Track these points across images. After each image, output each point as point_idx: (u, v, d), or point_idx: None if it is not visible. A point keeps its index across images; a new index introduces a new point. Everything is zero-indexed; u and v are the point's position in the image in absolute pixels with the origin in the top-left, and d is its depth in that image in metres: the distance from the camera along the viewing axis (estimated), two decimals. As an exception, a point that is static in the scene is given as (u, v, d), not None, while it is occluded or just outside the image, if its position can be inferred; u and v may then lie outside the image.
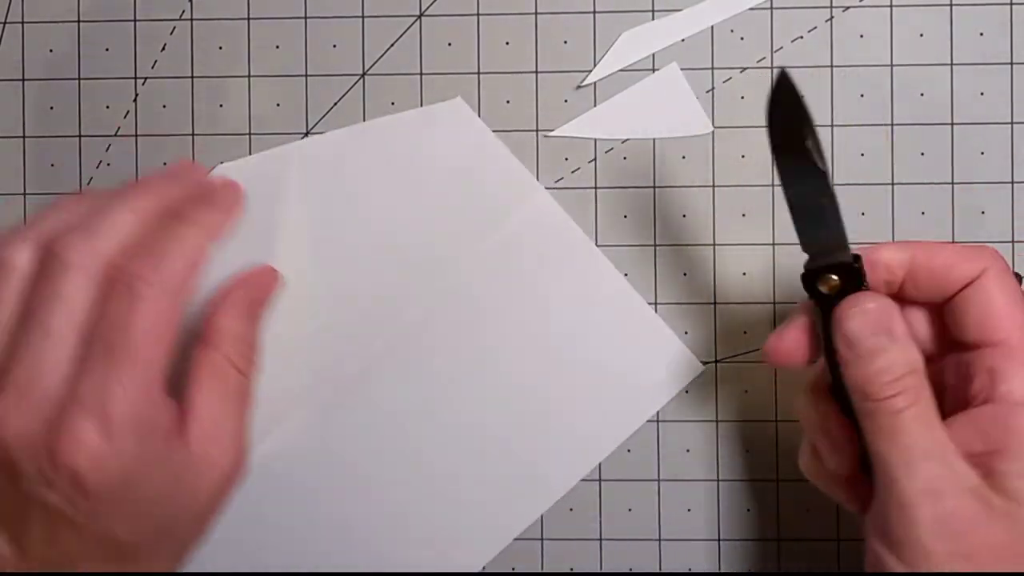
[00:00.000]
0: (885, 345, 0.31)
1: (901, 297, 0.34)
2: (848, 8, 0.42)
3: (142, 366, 0.31)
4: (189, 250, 0.34)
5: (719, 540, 0.42)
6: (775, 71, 0.32)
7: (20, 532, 0.31)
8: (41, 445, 0.30)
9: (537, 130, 0.42)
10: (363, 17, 0.42)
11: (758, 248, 0.42)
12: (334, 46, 0.42)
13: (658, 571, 0.42)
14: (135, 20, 0.43)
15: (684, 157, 0.42)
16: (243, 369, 0.36)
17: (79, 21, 0.43)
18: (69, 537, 0.31)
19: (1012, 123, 0.42)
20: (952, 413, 0.32)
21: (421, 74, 0.42)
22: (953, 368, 0.34)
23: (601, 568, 0.42)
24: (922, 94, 0.42)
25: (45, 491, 0.30)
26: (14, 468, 0.30)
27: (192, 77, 0.43)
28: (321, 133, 0.42)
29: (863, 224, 0.42)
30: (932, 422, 0.31)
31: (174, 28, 0.43)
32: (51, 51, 0.43)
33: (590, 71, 0.42)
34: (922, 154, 0.42)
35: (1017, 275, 0.42)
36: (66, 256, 0.32)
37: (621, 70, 0.42)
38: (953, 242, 0.41)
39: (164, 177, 0.37)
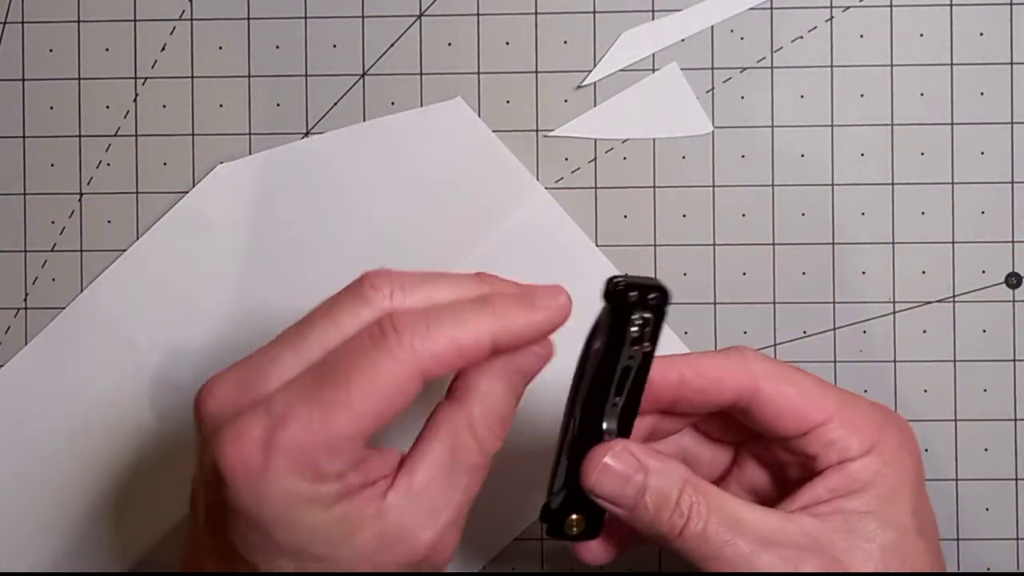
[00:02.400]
0: (641, 486, 0.31)
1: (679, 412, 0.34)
2: (848, 8, 0.42)
3: (349, 416, 0.27)
4: (466, 334, 0.28)
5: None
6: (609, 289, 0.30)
7: (193, 504, 0.30)
8: (217, 428, 0.28)
9: (537, 130, 0.42)
10: (363, 17, 0.42)
11: (758, 248, 0.42)
12: (334, 46, 0.42)
13: (659, 571, 0.42)
14: (135, 20, 0.43)
15: (684, 157, 0.42)
16: (485, 444, 0.30)
17: (79, 21, 0.43)
18: (211, 544, 0.29)
19: (1012, 123, 0.42)
20: (804, 478, 0.33)
21: (421, 74, 0.42)
22: (782, 448, 0.34)
23: (601, 568, 0.42)
24: (922, 94, 0.42)
25: (202, 490, 0.29)
26: (198, 441, 0.29)
27: (192, 77, 0.43)
28: (321, 133, 0.42)
29: (863, 224, 0.42)
30: (731, 518, 0.31)
31: (174, 28, 0.43)
32: (51, 51, 0.43)
33: (590, 71, 0.42)
34: (922, 154, 0.42)
35: (1017, 275, 0.42)
36: (361, 282, 0.30)
37: (621, 70, 0.42)
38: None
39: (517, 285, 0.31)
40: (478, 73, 0.42)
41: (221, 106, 0.43)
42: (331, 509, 0.28)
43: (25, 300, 0.43)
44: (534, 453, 0.42)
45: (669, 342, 0.42)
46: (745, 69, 0.42)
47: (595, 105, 0.42)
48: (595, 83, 0.42)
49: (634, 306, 0.30)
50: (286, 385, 0.28)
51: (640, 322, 0.30)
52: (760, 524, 0.31)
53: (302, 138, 0.42)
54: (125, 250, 0.42)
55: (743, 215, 0.42)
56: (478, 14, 0.42)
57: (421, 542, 0.29)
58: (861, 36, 0.42)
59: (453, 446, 0.29)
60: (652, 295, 0.30)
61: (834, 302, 0.42)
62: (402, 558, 0.29)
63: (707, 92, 0.42)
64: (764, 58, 0.42)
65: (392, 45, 0.42)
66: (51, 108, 0.43)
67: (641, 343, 0.30)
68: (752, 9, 0.42)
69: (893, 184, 0.42)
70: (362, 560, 0.28)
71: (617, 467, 0.31)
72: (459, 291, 0.30)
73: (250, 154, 0.42)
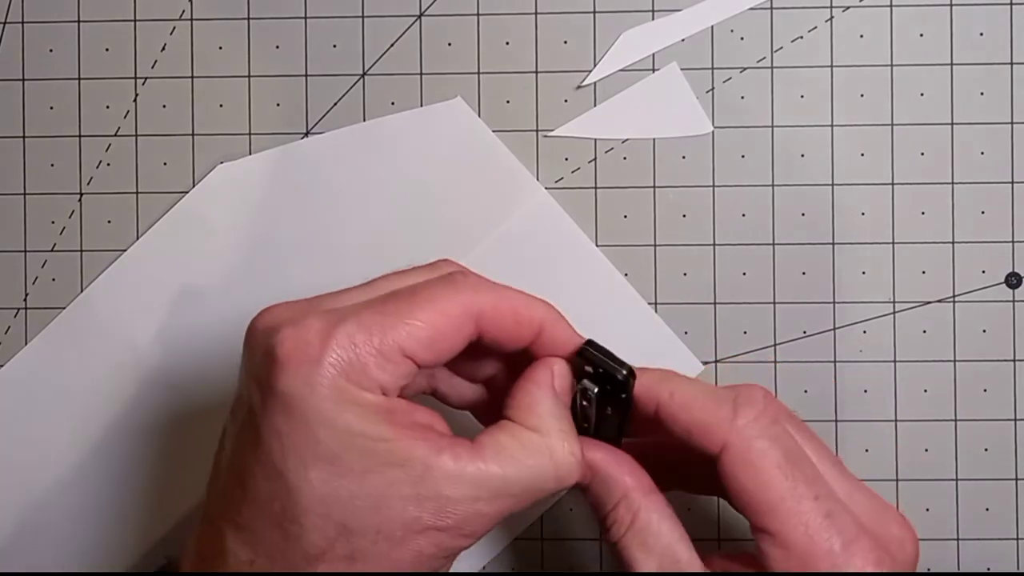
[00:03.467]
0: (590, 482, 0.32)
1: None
2: (848, 8, 0.42)
3: (406, 328, 0.29)
4: (524, 298, 0.31)
5: (719, 540, 0.42)
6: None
7: (229, 423, 0.30)
8: (273, 329, 0.29)
9: (537, 130, 0.42)
10: (363, 17, 0.42)
11: (758, 248, 0.42)
12: (334, 46, 0.42)
13: (658, 571, 0.42)
14: (135, 20, 0.43)
15: (684, 157, 0.42)
16: (561, 471, 0.30)
17: (79, 21, 0.43)
18: (250, 453, 0.29)
19: (1012, 123, 0.42)
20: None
21: (421, 74, 0.42)
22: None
23: (601, 568, 0.42)
24: (922, 94, 0.42)
25: (249, 384, 0.29)
26: (246, 356, 0.30)
27: (192, 77, 0.43)
28: (321, 133, 0.42)
29: (863, 224, 0.42)
30: (645, 552, 0.31)
31: (174, 28, 0.43)
32: (51, 51, 0.43)
33: (590, 71, 0.42)
34: (922, 154, 0.42)
35: (1017, 275, 0.42)
36: (437, 262, 0.33)
37: (621, 70, 0.42)
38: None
39: None
40: (478, 73, 0.42)
41: (221, 106, 0.43)
42: (373, 425, 0.28)
43: (25, 300, 0.43)
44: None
45: (669, 341, 0.42)
46: (745, 69, 0.42)
47: (595, 105, 0.42)
48: (595, 83, 0.42)
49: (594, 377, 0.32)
50: (352, 303, 0.29)
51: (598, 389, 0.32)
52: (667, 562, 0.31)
53: (302, 138, 0.42)
54: (125, 250, 0.42)
55: (743, 215, 0.42)
56: (478, 14, 0.42)
57: (454, 514, 0.28)
58: (861, 36, 0.42)
59: (530, 457, 0.30)
60: (607, 384, 0.32)
61: (834, 302, 0.42)
62: (430, 519, 0.28)
63: (707, 92, 0.42)
64: (764, 58, 0.42)
65: (392, 45, 0.42)
66: (51, 108, 0.43)
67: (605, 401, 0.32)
68: (752, 9, 0.42)
69: (893, 184, 0.42)
70: (388, 500, 0.28)
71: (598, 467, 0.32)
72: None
73: (250, 154, 0.42)
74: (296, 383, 0.28)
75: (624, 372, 0.31)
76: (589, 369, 0.32)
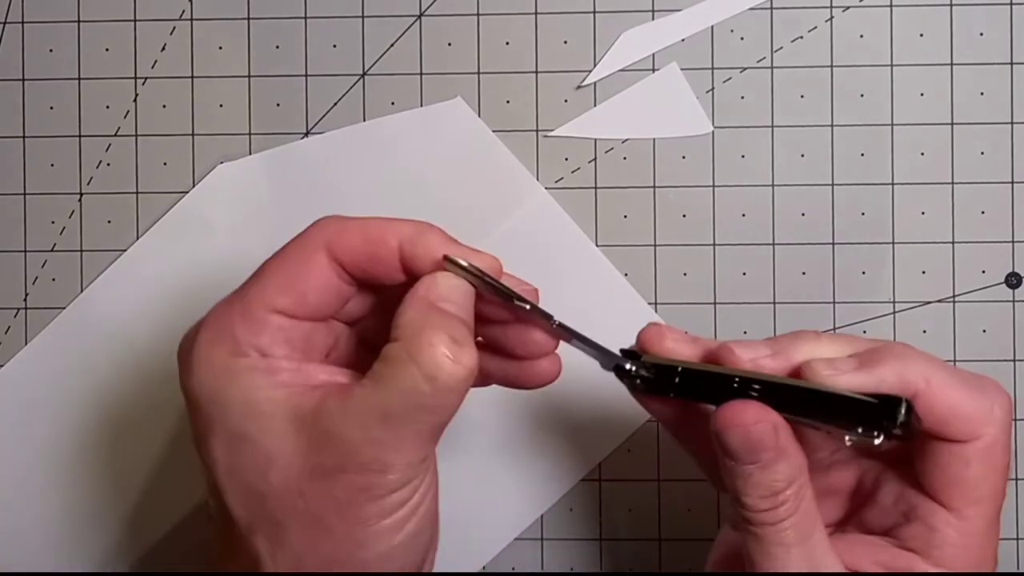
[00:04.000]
0: (764, 463, 0.29)
1: None
2: (848, 8, 0.42)
3: (258, 287, 0.29)
4: (376, 226, 0.31)
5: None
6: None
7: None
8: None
9: (537, 130, 0.42)
10: (363, 17, 0.42)
11: (758, 248, 0.42)
12: (334, 46, 0.42)
13: (658, 571, 0.42)
14: (135, 20, 0.43)
15: (684, 157, 0.42)
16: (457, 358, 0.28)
17: (79, 21, 0.43)
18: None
19: (1012, 123, 0.42)
20: (857, 510, 0.32)
21: (421, 74, 0.42)
22: (884, 481, 0.32)
23: (601, 568, 0.42)
24: (922, 94, 0.42)
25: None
26: None
27: (192, 77, 0.43)
28: (321, 133, 0.42)
29: (863, 224, 0.42)
30: (807, 531, 0.30)
31: (174, 28, 0.43)
32: (51, 51, 0.43)
33: (590, 71, 0.42)
34: (922, 154, 0.42)
35: (1017, 275, 0.42)
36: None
37: (621, 70, 0.42)
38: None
39: None
40: (478, 73, 0.42)
41: (221, 106, 0.43)
42: (256, 387, 0.28)
43: (25, 300, 0.43)
44: (533, 452, 0.42)
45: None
46: (745, 69, 0.42)
47: (595, 105, 0.42)
48: (595, 83, 0.42)
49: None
50: None
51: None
52: (812, 554, 0.30)
53: (302, 138, 0.42)
54: (125, 250, 0.42)
55: (743, 215, 0.42)
56: (478, 14, 0.42)
57: (348, 448, 0.28)
58: (861, 36, 0.42)
59: (392, 367, 0.28)
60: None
61: (834, 302, 0.42)
62: (329, 460, 0.28)
63: (707, 92, 0.42)
64: (764, 58, 0.42)
65: (392, 45, 0.42)
66: (51, 108, 0.43)
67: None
68: (752, 9, 0.42)
69: (893, 184, 0.42)
70: (285, 452, 0.28)
71: (756, 435, 0.29)
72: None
73: (250, 154, 0.42)
74: (184, 374, 0.29)
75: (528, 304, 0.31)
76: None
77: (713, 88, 0.42)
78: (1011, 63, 0.41)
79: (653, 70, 0.42)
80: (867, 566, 0.31)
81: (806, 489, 0.30)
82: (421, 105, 0.42)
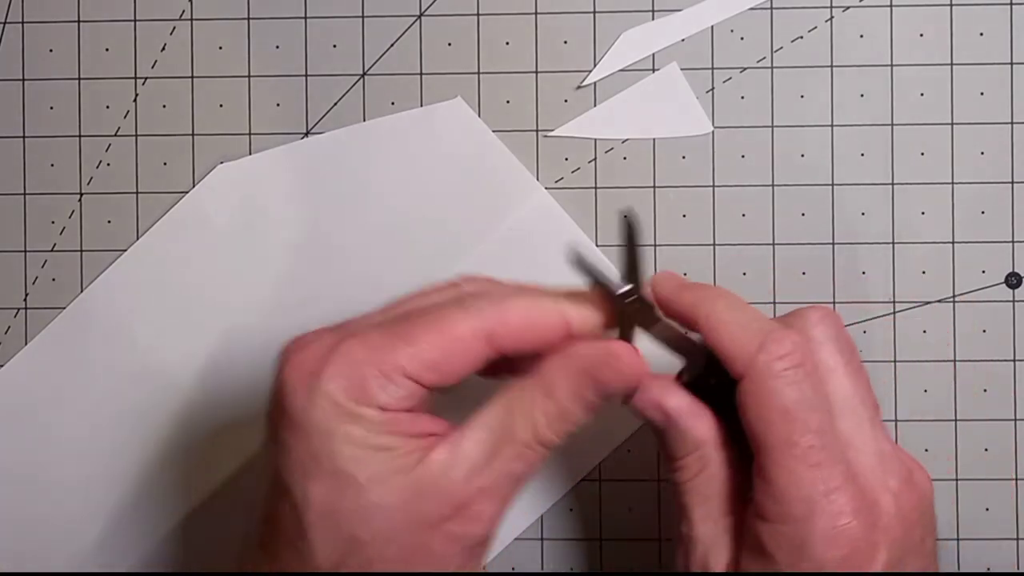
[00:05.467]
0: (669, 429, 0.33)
1: None
2: (848, 8, 0.42)
3: (410, 350, 0.29)
4: (538, 308, 0.31)
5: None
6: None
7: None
8: (289, 349, 0.30)
9: (537, 130, 0.42)
10: (363, 17, 0.42)
11: (757, 248, 0.42)
12: (334, 46, 0.42)
13: (658, 571, 0.42)
14: (135, 20, 0.43)
15: (684, 157, 0.42)
16: (539, 428, 0.30)
17: (79, 21, 0.43)
18: (267, 461, 0.30)
19: (1012, 123, 0.42)
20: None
21: (421, 74, 0.42)
22: None
23: (601, 568, 0.42)
24: (922, 94, 0.42)
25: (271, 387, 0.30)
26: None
27: (192, 77, 0.43)
28: (321, 133, 0.42)
29: (863, 224, 0.42)
30: (702, 502, 0.32)
31: (174, 28, 0.43)
32: (51, 51, 0.43)
33: (590, 71, 0.42)
34: (922, 154, 0.42)
35: (1017, 275, 0.42)
36: (460, 278, 0.32)
37: (621, 70, 0.42)
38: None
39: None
40: (478, 73, 0.42)
41: (221, 106, 0.43)
42: (374, 436, 0.28)
43: (25, 300, 0.43)
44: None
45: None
46: (745, 69, 0.42)
47: (595, 105, 0.42)
48: (595, 83, 0.42)
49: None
50: (368, 323, 0.30)
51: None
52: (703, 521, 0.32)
53: (302, 138, 0.42)
54: (125, 250, 0.42)
55: (743, 215, 0.42)
56: (478, 14, 0.42)
57: (454, 497, 0.29)
58: (861, 36, 0.42)
59: (507, 419, 0.30)
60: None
61: (834, 302, 0.42)
62: (434, 509, 0.28)
63: (707, 92, 0.42)
64: (764, 58, 0.42)
65: (392, 45, 0.42)
66: (51, 108, 0.43)
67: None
68: (752, 9, 0.42)
69: (893, 184, 0.42)
70: (392, 501, 0.28)
71: (651, 412, 0.33)
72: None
73: (250, 154, 0.42)
74: (298, 400, 0.28)
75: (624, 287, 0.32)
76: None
77: (713, 88, 0.42)
78: (1011, 63, 0.41)
79: (653, 70, 0.42)
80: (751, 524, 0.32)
81: (708, 460, 0.32)
82: (421, 105, 0.42)
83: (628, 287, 0.32)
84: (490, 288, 0.32)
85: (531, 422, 0.30)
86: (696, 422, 0.32)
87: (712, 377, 0.32)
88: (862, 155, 0.42)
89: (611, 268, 0.32)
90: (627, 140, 0.42)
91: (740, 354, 0.31)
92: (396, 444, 0.29)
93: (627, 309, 0.32)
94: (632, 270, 0.32)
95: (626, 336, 0.32)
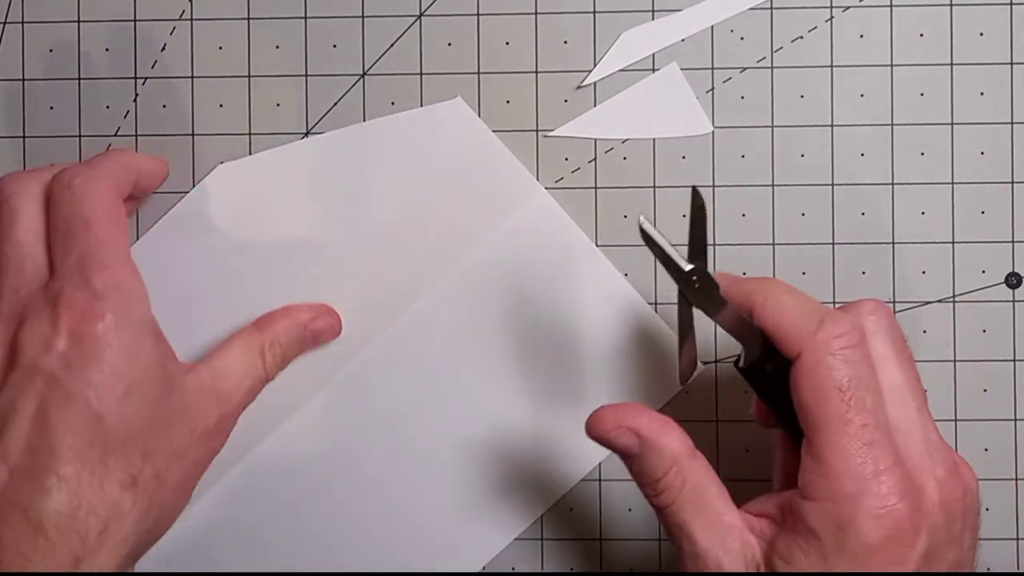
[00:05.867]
0: (633, 459, 0.33)
1: None
2: (848, 8, 0.42)
3: (108, 243, 0.34)
4: (118, 156, 0.38)
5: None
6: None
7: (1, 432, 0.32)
8: (45, 320, 0.33)
9: (537, 130, 0.42)
10: (363, 17, 0.42)
11: (758, 248, 0.42)
12: (334, 46, 0.42)
13: (658, 571, 0.42)
14: (135, 20, 0.43)
15: (684, 157, 0.42)
16: (269, 366, 0.39)
17: (79, 21, 0.43)
18: (56, 416, 0.32)
19: (1012, 123, 0.42)
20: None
21: (421, 74, 0.42)
22: None
23: (601, 568, 0.42)
24: (922, 94, 0.42)
25: (43, 358, 0.32)
26: (15, 355, 0.33)
27: (192, 77, 0.43)
28: (321, 133, 0.42)
29: (863, 224, 0.42)
30: (696, 506, 0.33)
31: (174, 28, 0.43)
32: (51, 51, 0.43)
33: (590, 71, 0.42)
34: (922, 154, 0.42)
35: (1017, 275, 0.42)
36: (6, 186, 0.36)
37: (621, 70, 0.42)
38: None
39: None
40: (478, 73, 0.42)
41: (221, 106, 0.43)
42: (161, 360, 0.35)
43: (25, 300, 0.43)
44: (533, 453, 0.42)
45: (670, 341, 0.42)
46: (745, 69, 0.42)
47: (595, 105, 0.42)
48: (595, 83, 0.42)
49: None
50: (59, 266, 0.34)
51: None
52: (709, 528, 0.32)
53: (302, 138, 0.42)
54: (125, 250, 0.42)
55: (743, 215, 0.42)
56: (478, 14, 0.42)
57: (231, 404, 0.37)
58: (861, 36, 0.42)
59: (249, 355, 0.38)
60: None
61: (834, 302, 0.42)
62: (199, 429, 0.36)
63: (707, 92, 0.42)
64: (764, 58, 0.42)
65: (392, 45, 0.42)
66: (51, 108, 0.43)
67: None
68: (752, 9, 0.42)
69: (893, 184, 0.42)
70: (171, 424, 0.35)
71: (616, 443, 0.33)
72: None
73: (250, 154, 0.42)
74: (92, 338, 0.33)
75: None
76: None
77: (713, 88, 0.42)
78: (1011, 63, 0.41)
79: (653, 70, 0.42)
80: (777, 511, 0.32)
81: (689, 468, 0.33)
82: (421, 105, 0.42)
83: (693, 266, 0.33)
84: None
85: (261, 361, 0.39)
86: (668, 437, 0.33)
87: (769, 362, 0.33)
88: (862, 155, 0.42)
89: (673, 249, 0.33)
90: (627, 140, 0.42)
91: (799, 332, 0.32)
92: (172, 371, 0.36)
93: (692, 288, 0.33)
94: (698, 248, 0.33)
95: (689, 316, 0.33)
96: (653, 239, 0.33)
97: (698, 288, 0.33)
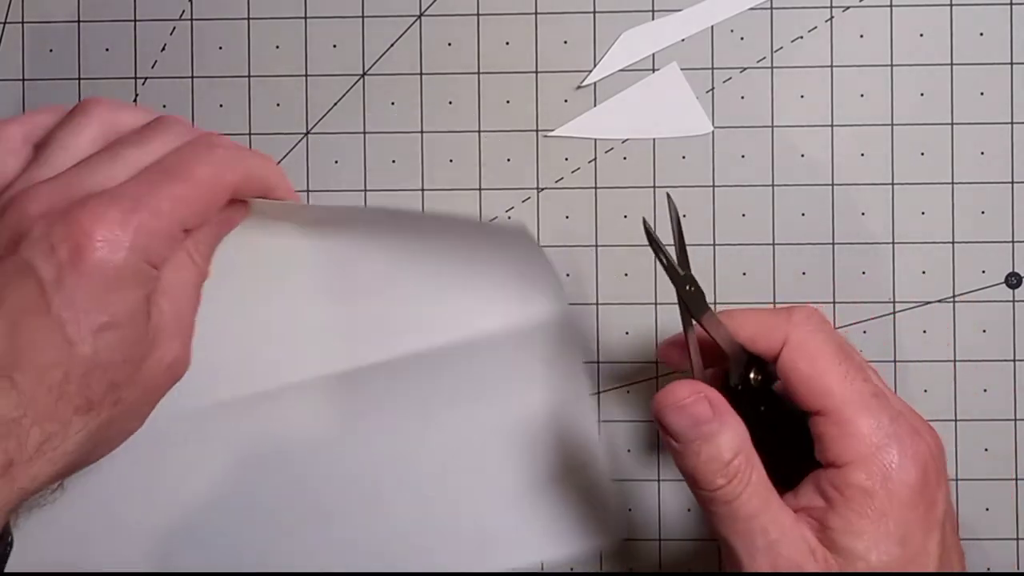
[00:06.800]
0: (706, 436, 0.32)
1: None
2: (848, 8, 0.42)
3: (187, 209, 0.33)
4: (268, 165, 0.36)
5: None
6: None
7: None
8: (61, 212, 0.31)
9: (537, 130, 0.42)
10: (363, 17, 0.42)
11: (758, 248, 0.42)
12: (334, 46, 0.42)
13: (658, 571, 0.42)
14: (135, 20, 0.43)
15: (684, 157, 0.42)
16: (201, 265, 0.36)
17: (79, 21, 0.43)
18: (29, 327, 0.31)
19: (1012, 123, 0.42)
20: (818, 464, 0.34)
21: (421, 74, 0.42)
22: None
23: (601, 568, 0.42)
24: (922, 94, 0.42)
25: (40, 260, 0.31)
26: (20, 237, 0.31)
27: (192, 77, 0.43)
28: (321, 133, 0.42)
29: (863, 224, 0.42)
30: (765, 497, 0.32)
31: (174, 28, 0.43)
32: (51, 51, 0.43)
33: (590, 71, 0.42)
34: (922, 154, 0.42)
35: (1017, 275, 0.42)
36: (163, 120, 0.35)
37: (621, 70, 0.42)
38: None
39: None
40: (478, 73, 0.42)
41: (221, 106, 0.43)
42: (144, 287, 0.33)
43: (25, 300, 0.43)
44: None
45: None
46: (745, 69, 0.42)
47: (595, 105, 0.42)
48: (595, 83, 0.42)
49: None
50: (128, 181, 0.33)
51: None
52: (776, 518, 0.32)
53: (302, 138, 0.42)
54: (125, 250, 0.42)
55: (743, 215, 0.42)
56: (478, 14, 0.42)
57: (172, 354, 0.34)
58: (861, 36, 0.42)
59: (183, 270, 0.35)
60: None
61: (834, 302, 0.42)
62: (161, 365, 0.34)
63: (707, 92, 0.42)
64: (764, 58, 0.42)
65: (392, 45, 0.42)
66: (51, 108, 0.43)
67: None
68: (752, 9, 0.42)
69: (893, 184, 0.42)
70: (132, 350, 0.33)
71: (692, 409, 0.33)
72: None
73: (250, 154, 0.42)
74: (93, 263, 0.31)
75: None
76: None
77: (713, 88, 0.42)
78: (1011, 63, 0.41)
79: (653, 70, 0.42)
80: (814, 499, 0.33)
81: (754, 457, 0.33)
82: (421, 105, 0.42)
83: (686, 272, 0.34)
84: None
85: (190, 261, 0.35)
86: (735, 417, 0.33)
87: (757, 372, 0.35)
88: (862, 155, 0.42)
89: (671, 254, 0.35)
90: (627, 140, 0.42)
91: (774, 328, 0.34)
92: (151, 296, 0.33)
93: (685, 294, 0.34)
94: (683, 254, 0.35)
95: (687, 321, 0.34)
96: (658, 242, 0.34)
97: (691, 292, 0.34)
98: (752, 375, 0.35)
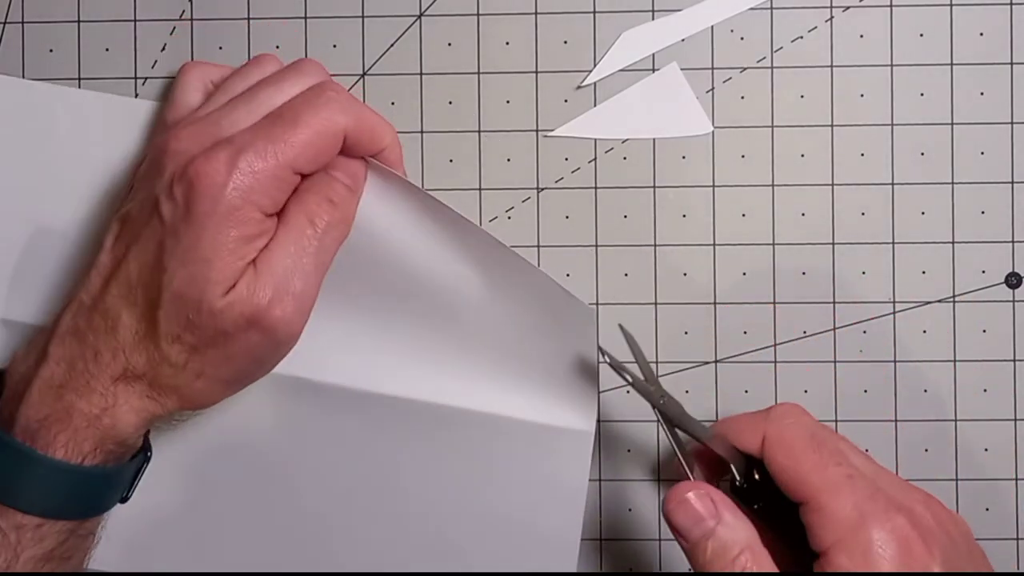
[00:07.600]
0: (710, 531, 0.34)
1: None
2: (848, 8, 0.42)
3: (292, 151, 0.34)
4: (369, 113, 0.37)
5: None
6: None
7: (126, 245, 0.35)
8: (186, 157, 0.34)
9: (537, 130, 0.42)
10: (363, 17, 0.42)
11: (758, 248, 0.42)
12: (334, 46, 0.42)
13: (658, 571, 0.42)
14: (135, 20, 0.43)
15: (684, 157, 0.42)
16: (318, 224, 0.35)
17: (79, 21, 0.43)
18: (153, 262, 0.34)
19: (1012, 123, 0.42)
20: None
21: (421, 74, 0.42)
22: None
23: (601, 568, 0.42)
24: (922, 94, 0.42)
25: (164, 198, 0.34)
26: (160, 171, 0.35)
27: (192, 77, 0.43)
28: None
29: (863, 224, 0.42)
30: None
31: (174, 28, 0.43)
32: (51, 51, 0.43)
33: (590, 71, 0.42)
34: (922, 154, 0.42)
35: (1017, 275, 0.42)
36: (300, 63, 0.38)
37: (621, 70, 0.42)
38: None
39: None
40: (478, 73, 0.42)
41: (221, 106, 0.42)
42: (247, 228, 0.34)
43: (25, 300, 0.43)
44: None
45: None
46: (745, 69, 0.42)
47: (595, 105, 0.42)
48: (595, 83, 0.42)
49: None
50: (245, 129, 0.35)
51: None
52: None
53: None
54: (125, 250, 0.42)
55: (743, 215, 0.42)
56: (478, 14, 0.42)
57: (266, 307, 0.34)
58: (861, 36, 0.42)
59: (297, 233, 0.35)
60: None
61: (834, 302, 0.42)
62: (251, 316, 0.34)
63: (707, 92, 0.42)
64: (764, 58, 0.42)
65: (392, 45, 0.42)
66: (51, 108, 0.43)
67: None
68: (752, 9, 0.42)
69: (893, 184, 0.42)
70: (228, 304, 0.34)
71: (696, 506, 0.34)
72: None
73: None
74: (206, 203, 0.33)
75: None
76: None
77: (713, 88, 0.42)
78: (1011, 63, 0.41)
79: (653, 70, 0.42)
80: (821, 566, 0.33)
81: (761, 553, 0.33)
82: (421, 105, 0.42)
83: (655, 386, 0.37)
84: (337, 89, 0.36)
85: (311, 225, 0.36)
86: (740, 515, 0.34)
87: (759, 470, 0.36)
88: (862, 155, 0.42)
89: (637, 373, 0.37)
90: (627, 140, 0.42)
91: (754, 427, 0.35)
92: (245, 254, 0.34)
93: (662, 408, 0.37)
94: (647, 370, 0.37)
95: (673, 433, 0.36)
96: (624, 370, 0.37)
97: (665, 402, 0.37)
98: (755, 473, 0.36)
